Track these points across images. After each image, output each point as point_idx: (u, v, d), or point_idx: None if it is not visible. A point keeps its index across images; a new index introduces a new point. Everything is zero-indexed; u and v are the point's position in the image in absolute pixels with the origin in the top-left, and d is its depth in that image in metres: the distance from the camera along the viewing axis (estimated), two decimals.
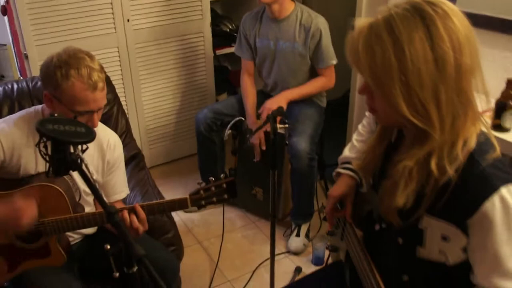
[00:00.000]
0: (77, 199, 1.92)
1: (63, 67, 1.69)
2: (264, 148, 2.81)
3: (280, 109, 1.91)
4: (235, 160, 3.16)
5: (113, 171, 2.03)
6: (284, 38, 2.87)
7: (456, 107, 1.08)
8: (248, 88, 3.08)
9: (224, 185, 1.81)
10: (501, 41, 2.42)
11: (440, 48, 1.05)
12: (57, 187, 1.76)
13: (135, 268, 1.29)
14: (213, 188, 1.81)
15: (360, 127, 1.67)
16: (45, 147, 1.38)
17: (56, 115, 1.47)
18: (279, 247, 2.95)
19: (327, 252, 2.76)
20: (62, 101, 1.73)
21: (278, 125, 1.89)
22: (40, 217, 1.72)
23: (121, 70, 3.37)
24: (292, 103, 2.90)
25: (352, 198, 1.56)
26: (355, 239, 1.51)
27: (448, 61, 1.05)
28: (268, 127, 1.94)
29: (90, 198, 2.01)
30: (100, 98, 1.75)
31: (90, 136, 1.38)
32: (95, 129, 1.90)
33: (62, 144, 1.34)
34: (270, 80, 3.08)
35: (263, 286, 2.69)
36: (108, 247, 1.29)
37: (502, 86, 2.15)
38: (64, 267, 1.87)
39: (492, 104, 2.17)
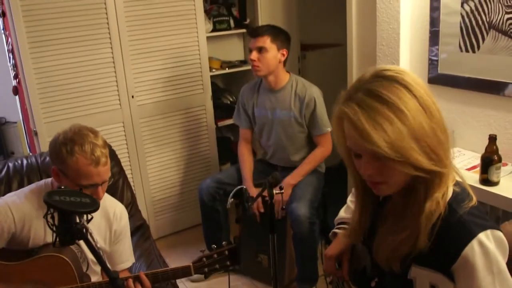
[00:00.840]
0: (85, 269, 1.97)
1: (68, 144, 1.79)
2: (262, 211, 2.87)
3: (275, 175, 1.99)
4: (239, 228, 3.20)
5: (120, 240, 2.09)
6: (280, 107, 3.00)
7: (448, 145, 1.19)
8: (245, 155, 3.19)
9: (227, 252, 1.86)
10: (484, 100, 2.53)
11: (422, 99, 1.15)
12: (64, 257, 1.81)
13: None
14: (215, 255, 1.87)
15: (354, 189, 1.74)
16: (52, 218, 1.45)
17: (63, 187, 1.55)
18: None
19: None
20: (68, 176, 1.81)
21: (275, 191, 1.97)
22: (47, 287, 1.77)
23: (126, 144, 3.48)
24: (291, 169, 3.00)
25: (348, 256, 1.61)
26: None
27: (431, 107, 1.16)
28: (265, 193, 2.01)
29: (98, 268, 2.05)
30: (103, 172, 1.83)
31: (94, 206, 1.45)
32: (102, 199, 1.99)
33: (68, 214, 1.41)
34: (269, 148, 3.18)
35: None
36: None
37: (486, 142, 2.24)
38: None
39: (479, 159, 2.26)
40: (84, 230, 1.43)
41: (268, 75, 2.95)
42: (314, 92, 2.94)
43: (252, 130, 3.23)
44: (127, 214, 2.15)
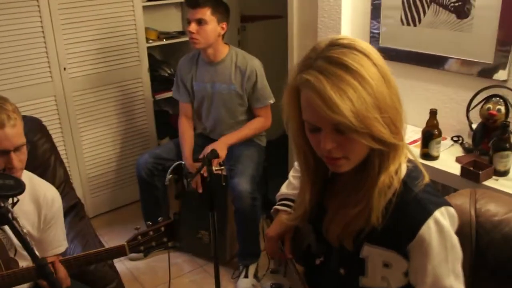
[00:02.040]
0: (12, 255, 1.86)
1: None
2: (200, 191, 2.80)
3: (214, 151, 1.93)
4: (179, 204, 3.13)
5: (51, 225, 1.96)
6: (220, 80, 2.92)
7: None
8: (185, 131, 3.09)
9: (163, 228, 1.80)
10: (424, 74, 2.54)
11: (381, 68, 1.11)
12: None
13: None
14: (151, 233, 1.80)
15: (296, 163, 1.70)
16: None
17: None
18: None
19: None
20: None
21: (214, 167, 1.90)
22: None
23: (59, 119, 3.32)
24: (232, 145, 2.93)
25: (290, 235, 1.57)
26: (297, 275, 1.51)
27: (390, 76, 1.13)
28: (204, 171, 1.94)
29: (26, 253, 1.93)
30: (12, 135, 1.70)
31: (19, 188, 1.35)
32: (32, 183, 1.87)
33: None
34: (208, 122, 3.10)
35: None
36: None
37: (426, 116, 2.25)
38: None
39: (419, 134, 2.27)
40: (10, 215, 1.34)
41: (207, 48, 2.86)
42: (256, 65, 2.88)
43: (192, 104, 3.13)
44: (59, 198, 2.03)
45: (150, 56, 3.69)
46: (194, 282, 3.02)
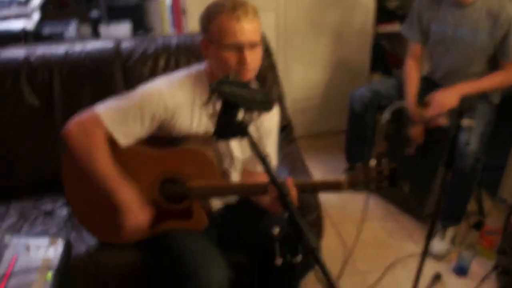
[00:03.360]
0: (227, 166, 1.86)
1: (214, 7, 1.66)
2: (420, 141, 2.57)
3: (466, 101, 1.67)
4: (386, 146, 2.94)
5: (266, 139, 1.92)
6: (465, 25, 2.55)
7: None
8: (413, 74, 2.80)
9: (387, 172, 1.63)
10: None
11: None
12: (208, 154, 1.71)
13: (299, 258, 1.17)
14: (373, 173, 1.64)
15: None
16: (213, 109, 1.30)
17: (230, 77, 1.35)
18: (420, 247, 2.71)
19: (473, 264, 2.52)
20: (212, 41, 1.67)
21: (465, 121, 1.65)
22: (187, 179, 1.70)
23: (277, 36, 3.26)
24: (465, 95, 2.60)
25: None
26: None
27: None
28: (440, 122, 1.70)
29: (239, 166, 1.93)
30: (248, 30, 1.64)
31: (267, 105, 1.28)
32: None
33: (236, 108, 1.25)
34: (440, 68, 2.78)
35: (398, 285, 2.50)
36: (277, 230, 1.17)
37: None
38: (204, 232, 1.84)
39: None
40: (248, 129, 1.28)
41: None
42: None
43: (424, 45, 2.83)
44: (278, 112, 1.97)
45: None
46: (384, 230, 2.88)
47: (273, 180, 1.15)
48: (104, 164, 1.68)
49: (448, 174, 1.76)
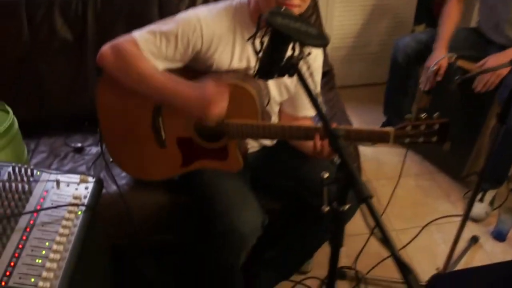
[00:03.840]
0: (265, 105, 1.76)
1: None
2: (482, 91, 2.39)
3: None
4: (428, 100, 2.80)
5: (316, 79, 1.83)
6: None
7: None
8: (452, 15, 2.58)
9: (437, 126, 1.52)
10: None
11: None
12: (250, 91, 1.60)
13: (347, 207, 1.08)
14: (423, 127, 1.54)
15: None
16: (261, 43, 1.18)
17: (283, 8, 1.22)
18: (456, 208, 2.62)
19: None
20: None
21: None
22: (226, 117, 1.59)
23: None
24: None
25: None
26: None
27: None
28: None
29: (276, 107, 1.84)
30: None
31: (322, 40, 1.16)
32: None
33: (286, 43, 1.13)
34: (490, 19, 2.58)
35: (432, 246, 2.41)
36: (326, 175, 1.07)
37: None
38: (238, 174, 1.76)
39: None
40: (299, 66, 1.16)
41: None
42: None
43: None
44: (322, 55, 1.86)
45: None
46: (420, 188, 2.78)
47: (325, 122, 1.05)
48: (153, 70, 1.58)
49: (501, 129, 1.64)
